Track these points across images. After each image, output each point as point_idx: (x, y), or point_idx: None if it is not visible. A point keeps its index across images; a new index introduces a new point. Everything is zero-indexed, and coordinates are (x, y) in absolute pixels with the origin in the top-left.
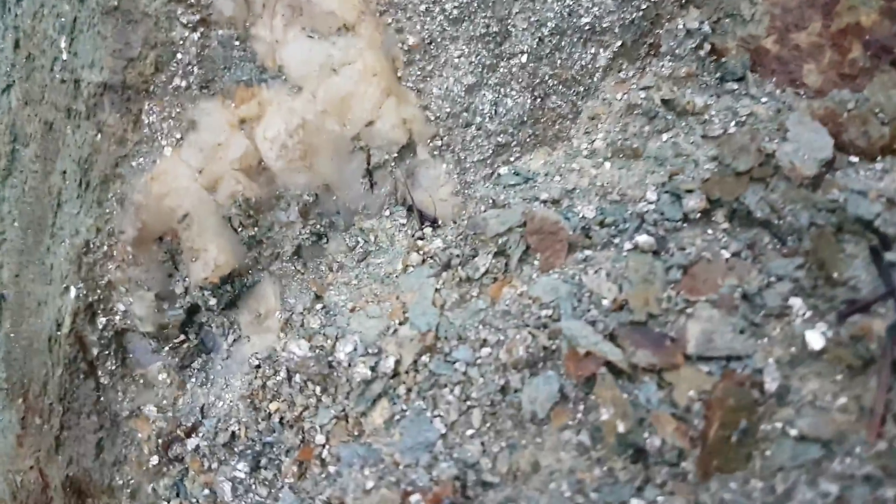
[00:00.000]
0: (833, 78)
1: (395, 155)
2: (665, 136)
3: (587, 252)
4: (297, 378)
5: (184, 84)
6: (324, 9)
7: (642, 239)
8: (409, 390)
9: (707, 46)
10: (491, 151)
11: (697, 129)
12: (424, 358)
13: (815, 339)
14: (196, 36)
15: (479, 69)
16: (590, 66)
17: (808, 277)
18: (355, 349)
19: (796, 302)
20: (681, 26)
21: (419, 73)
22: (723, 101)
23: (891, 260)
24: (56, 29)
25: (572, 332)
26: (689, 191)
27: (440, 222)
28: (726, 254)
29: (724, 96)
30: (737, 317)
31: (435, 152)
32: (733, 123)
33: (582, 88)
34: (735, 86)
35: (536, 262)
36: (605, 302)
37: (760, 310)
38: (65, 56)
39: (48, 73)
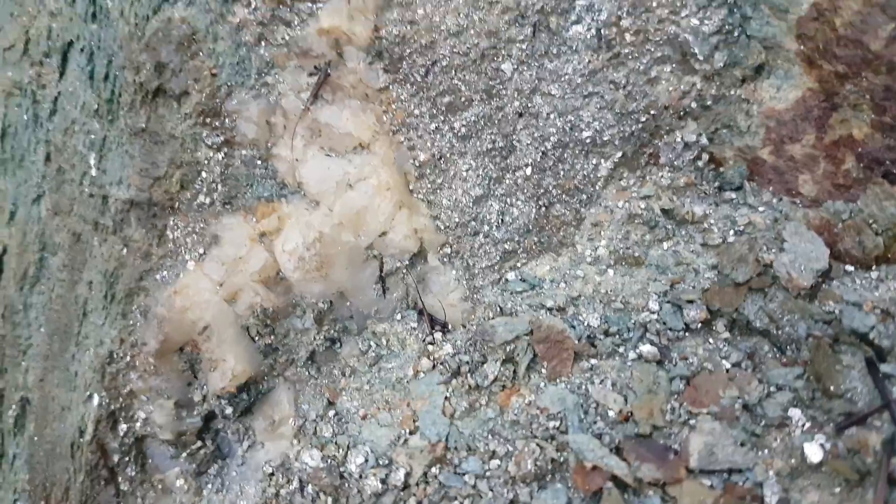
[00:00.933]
0: (828, 188)
1: (407, 262)
2: (666, 245)
3: (593, 361)
4: (310, 488)
5: (208, 201)
6: (341, 131)
7: (646, 349)
8: (419, 503)
9: (705, 157)
10: (498, 258)
11: (697, 238)
12: (434, 469)
13: (814, 451)
14: (220, 156)
15: (486, 181)
16: (592, 175)
17: (806, 388)
18: (366, 460)
19: (795, 413)
20: (679, 139)
21: (430, 185)
22: (721, 210)
23: (886, 372)
24: (86, 145)
25: (579, 446)
26: (690, 301)
27: (450, 327)
28: (727, 364)
29: (723, 205)
30: (738, 429)
31: (445, 259)
32: (732, 232)
33: (585, 197)
34: (733, 195)
35: (544, 371)
36: (611, 413)
37: (761, 420)
38: (93, 172)
39: (77, 186)
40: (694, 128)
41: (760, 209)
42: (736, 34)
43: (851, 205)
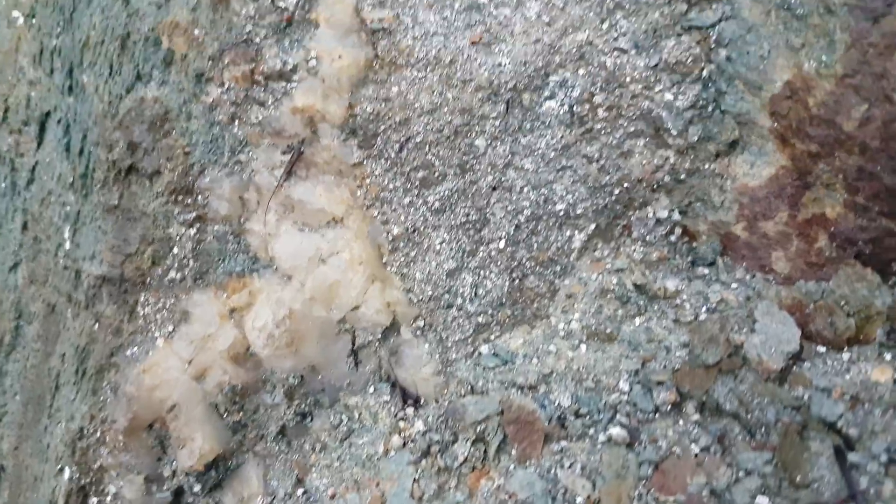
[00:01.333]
0: (801, 266)
1: (380, 336)
2: (638, 321)
3: (563, 443)
4: None
5: (179, 276)
6: (314, 206)
7: (615, 431)
8: None
9: (678, 231)
10: (471, 331)
11: (669, 314)
12: None
13: None
14: (192, 231)
15: (460, 254)
16: (565, 247)
17: (774, 475)
18: None
19: (763, 501)
20: (651, 214)
21: (403, 259)
22: (694, 286)
23: (854, 462)
24: (61, 217)
25: None
26: (660, 382)
27: (422, 401)
28: (696, 448)
29: (696, 281)
30: None
31: (418, 332)
32: (704, 309)
33: (558, 268)
34: (706, 270)
35: (514, 452)
36: (579, 500)
37: None
38: (68, 245)
39: (52, 257)
40: (667, 203)
41: (733, 286)
42: (710, 109)
43: (824, 284)
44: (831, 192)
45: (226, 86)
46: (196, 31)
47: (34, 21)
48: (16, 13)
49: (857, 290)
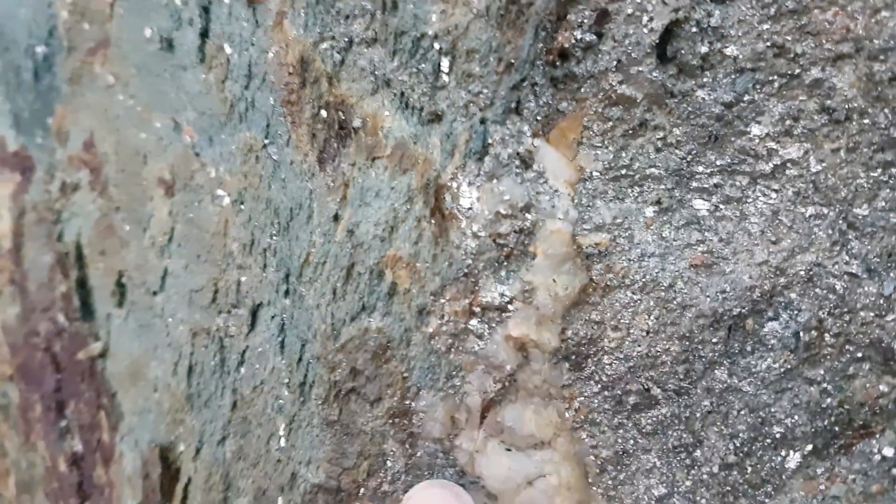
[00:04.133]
0: None
1: None
2: None
3: None
4: None
5: (391, 489)
6: (523, 430)
7: None
8: None
9: None
10: None
11: None
12: None
13: None
14: (406, 447)
15: (670, 478)
16: (779, 467)
17: None
18: None
19: None
20: (876, 451)
21: (611, 482)
22: None
23: None
24: (274, 409)
25: None
26: None
27: None
28: None
29: None
30: None
31: None
32: None
33: (770, 488)
34: None
35: None
36: None
37: None
38: (283, 441)
39: (264, 444)
40: (893, 439)
41: None
42: None
43: None
44: None
45: (445, 318)
46: (418, 265)
47: (242, 207)
48: (220, 192)
49: None
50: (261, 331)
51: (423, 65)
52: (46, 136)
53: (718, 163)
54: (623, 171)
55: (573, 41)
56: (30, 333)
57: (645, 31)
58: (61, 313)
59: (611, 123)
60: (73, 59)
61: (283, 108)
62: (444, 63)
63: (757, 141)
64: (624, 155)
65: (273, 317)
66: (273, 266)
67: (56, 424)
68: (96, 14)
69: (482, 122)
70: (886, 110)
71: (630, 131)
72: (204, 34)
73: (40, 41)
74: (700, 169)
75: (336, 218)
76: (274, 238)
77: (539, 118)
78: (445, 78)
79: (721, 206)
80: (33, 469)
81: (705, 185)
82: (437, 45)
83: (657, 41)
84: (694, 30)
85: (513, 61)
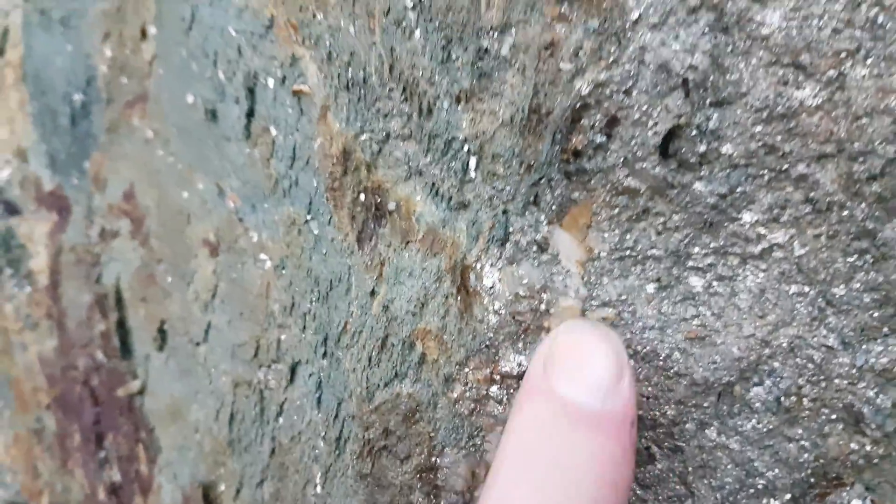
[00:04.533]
0: None
1: None
2: None
3: None
4: None
5: None
6: None
7: None
8: None
9: None
10: None
11: None
12: None
13: None
14: (430, 499)
15: None
16: None
17: None
18: None
19: None
20: (846, 500)
21: None
22: None
23: None
24: (311, 458)
25: None
26: None
27: None
28: None
29: None
30: None
31: None
32: None
33: None
34: None
35: None
36: None
37: None
38: (319, 489)
39: (301, 489)
40: (861, 491)
41: None
42: None
43: None
44: None
45: (468, 385)
46: (445, 338)
47: (284, 273)
48: (263, 256)
49: None
50: (299, 386)
51: (454, 163)
52: (82, 179)
53: (712, 245)
54: (627, 252)
55: (586, 142)
56: (68, 367)
57: (650, 133)
58: (100, 350)
59: (617, 210)
60: (111, 110)
61: (326, 192)
62: (472, 162)
63: (747, 226)
64: (628, 237)
65: (311, 374)
66: (312, 329)
67: (95, 455)
68: (135, 70)
69: (504, 212)
70: (863, 205)
71: (634, 217)
72: (250, 114)
73: (78, 89)
74: (696, 250)
75: (373, 293)
76: (313, 304)
77: (554, 207)
78: (473, 174)
79: (714, 284)
80: (69, 493)
81: (700, 265)
82: (466, 147)
83: (660, 142)
84: (694, 132)
85: (533, 163)
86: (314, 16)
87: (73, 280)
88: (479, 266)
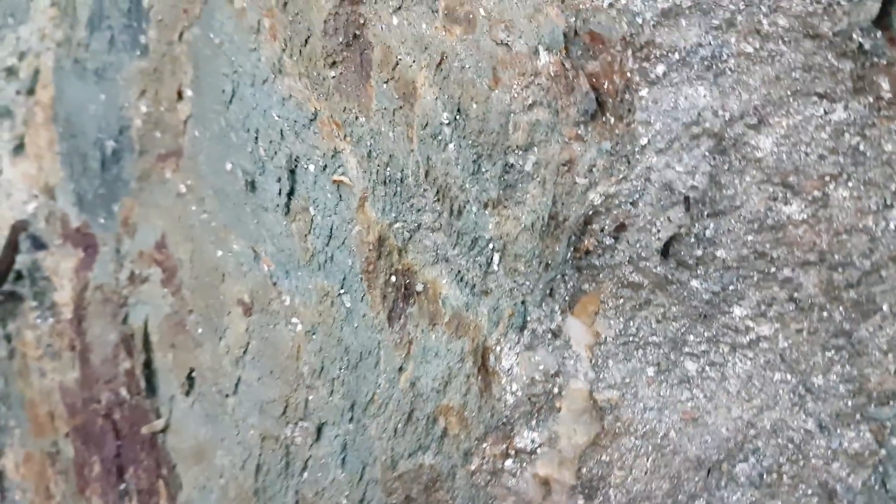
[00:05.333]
0: None
1: None
2: None
3: None
4: None
5: None
6: None
7: None
8: None
9: None
10: None
11: None
12: None
13: None
14: None
15: None
16: None
17: None
18: None
19: None
20: None
21: None
22: None
23: None
24: None
25: None
26: None
27: None
28: None
29: None
30: None
31: None
32: None
33: None
34: None
35: None
36: None
37: None
38: None
39: None
40: None
41: None
42: (876, 488)
43: None
44: None
45: (485, 458)
46: (466, 414)
47: (314, 338)
48: (295, 320)
49: None
50: (324, 445)
51: (479, 257)
52: (110, 219)
53: (706, 334)
54: (630, 338)
55: (596, 244)
56: (90, 399)
57: (653, 238)
58: (124, 387)
59: (622, 300)
60: (143, 160)
61: (361, 273)
62: (496, 258)
63: (738, 319)
64: (632, 324)
65: (336, 436)
66: (339, 394)
67: (116, 487)
68: (169, 126)
69: (523, 303)
70: (841, 308)
71: (637, 307)
72: (290, 193)
73: (110, 137)
74: (691, 338)
75: (401, 369)
76: (342, 371)
77: (567, 298)
78: (496, 268)
79: (707, 369)
80: None
81: (695, 352)
82: (491, 245)
83: (662, 246)
84: (692, 240)
85: (550, 263)
86: (356, 118)
87: (98, 318)
88: (498, 349)
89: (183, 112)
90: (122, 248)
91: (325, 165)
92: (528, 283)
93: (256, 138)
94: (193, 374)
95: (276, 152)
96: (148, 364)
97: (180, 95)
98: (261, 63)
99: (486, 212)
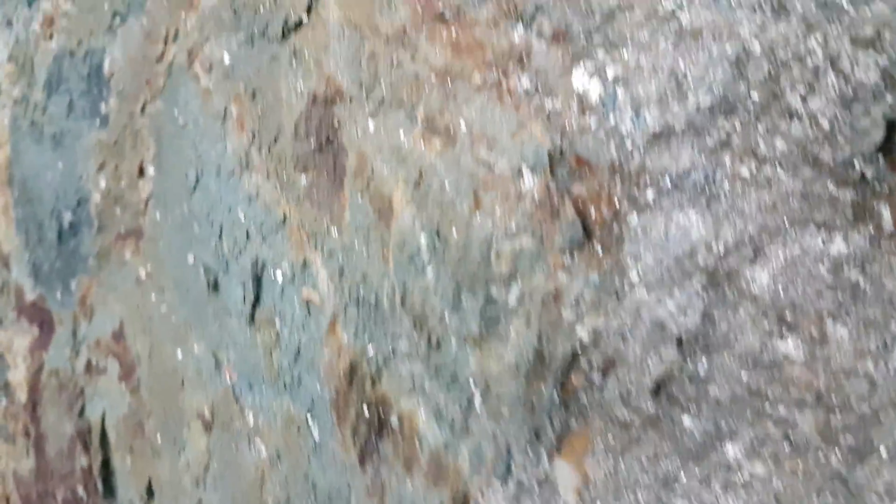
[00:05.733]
0: None
1: None
2: None
3: None
4: None
5: None
6: None
7: None
8: None
9: None
10: None
11: None
12: None
13: None
14: None
15: None
16: None
17: None
18: None
19: None
20: None
21: None
22: None
23: None
24: None
25: None
26: None
27: None
28: None
29: None
30: None
31: None
32: None
33: None
34: None
35: None
36: None
37: None
38: None
39: None
40: None
41: None
42: None
43: None
44: None
45: None
46: None
47: (280, 468)
48: (259, 442)
49: None
50: None
51: (459, 394)
52: (67, 295)
53: (698, 473)
54: (621, 480)
55: (584, 381)
56: (46, 494)
57: (644, 377)
58: (81, 485)
59: (612, 439)
60: (102, 237)
61: (330, 405)
62: (477, 398)
63: (731, 458)
64: (622, 464)
65: None
66: None
67: None
68: (130, 204)
69: (507, 450)
70: (838, 451)
71: (627, 445)
72: (255, 302)
73: (67, 208)
74: (683, 477)
75: None
76: None
77: (554, 439)
78: (478, 409)
79: None
80: None
81: (686, 491)
82: (472, 382)
83: (653, 384)
84: (685, 377)
85: (535, 405)
86: (328, 230)
87: (54, 405)
88: (481, 498)
89: (144, 190)
90: (78, 332)
91: (294, 276)
92: (512, 427)
93: (220, 234)
94: (153, 487)
95: (240, 252)
96: (106, 464)
97: (142, 171)
98: (227, 153)
99: (467, 346)
